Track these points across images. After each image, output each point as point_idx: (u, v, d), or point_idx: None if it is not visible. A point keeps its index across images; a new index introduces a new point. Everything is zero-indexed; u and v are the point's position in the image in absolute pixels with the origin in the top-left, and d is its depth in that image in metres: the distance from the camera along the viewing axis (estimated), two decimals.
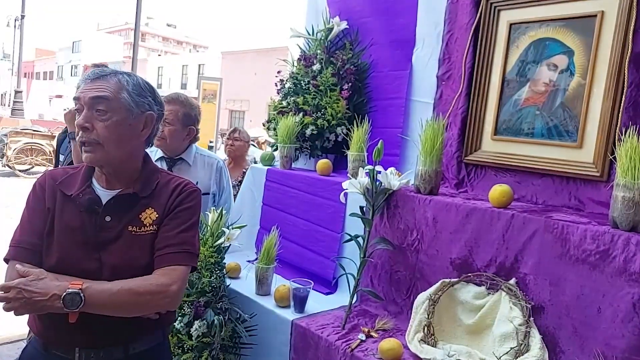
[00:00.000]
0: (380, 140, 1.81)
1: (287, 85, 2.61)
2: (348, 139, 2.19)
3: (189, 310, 1.88)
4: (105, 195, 1.34)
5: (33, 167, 11.16)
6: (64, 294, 1.16)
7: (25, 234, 1.30)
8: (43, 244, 1.29)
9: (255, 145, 8.25)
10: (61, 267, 1.25)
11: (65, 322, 1.25)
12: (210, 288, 1.90)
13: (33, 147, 11.02)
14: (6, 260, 1.29)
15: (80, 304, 1.17)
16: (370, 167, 1.80)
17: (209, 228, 2.01)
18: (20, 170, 10.94)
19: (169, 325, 1.53)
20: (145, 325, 1.33)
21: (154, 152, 2.44)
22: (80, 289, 1.17)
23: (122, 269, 1.26)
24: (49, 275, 1.20)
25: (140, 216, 1.34)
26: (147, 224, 1.33)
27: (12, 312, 1.16)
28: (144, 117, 1.36)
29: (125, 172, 1.36)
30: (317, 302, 1.95)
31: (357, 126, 2.12)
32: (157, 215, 1.35)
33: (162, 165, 2.38)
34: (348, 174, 2.08)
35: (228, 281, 2.09)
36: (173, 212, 1.36)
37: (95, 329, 1.26)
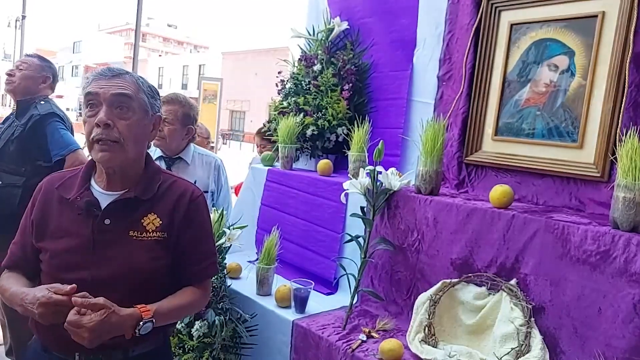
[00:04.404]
0: (381, 141, 1.81)
1: (287, 86, 2.61)
2: (349, 140, 2.20)
3: None
4: (104, 197, 1.31)
5: None
6: (141, 325, 1.18)
7: (14, 246, 1.36)
8: (26, 255, 1.31)
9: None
10: (56, 273, 1.23)
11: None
12: (211, 288, 1.90)
13: None
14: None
15: (151, 329, 1.20)
16: (371, 167, 1.80)
17: None
18: None
19: (170, 328, 1.52)
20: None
21: (153, 152, 2.46)
22: (152, 317, 1.21)
23: (120, 275, 1.24)
24: (113, 306, 1.16)
25: (143, 221, 1.31)
26: (150, 230, 1.31)
27: (86, 345, 1.13)
28: (154, 119, 1.37)
29: (129, 174, 1.34)
30: (317, 302, 1.96)
31: (358, 126, 2.12)
32: (160, 222, 1.32)
33: (161, 165, 2.40)
34: (349, 175, 2.08)
35: (229, 281, 2.09)
36: (191, 225, 1.36)
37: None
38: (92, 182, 1.35)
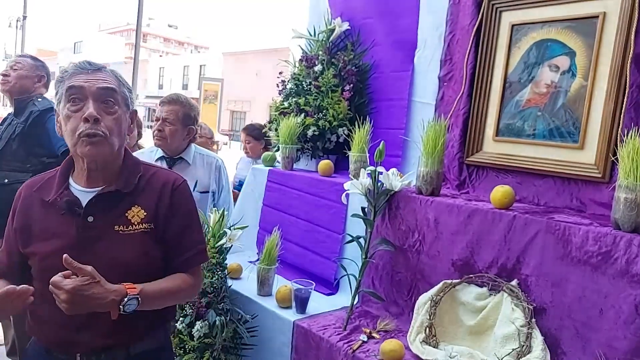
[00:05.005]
0: (382, 141, 1.81)
1: (288, 86, 2.61)
2: (349, 140, 2.20)
3: (190, 310, 1.89)
4: (85, 194, 1.28)
5: None
6: (125, 300, 1.15)
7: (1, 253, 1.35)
8: (12, 263, 1.30)
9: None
10: (46, 276, 1.19)
11: (66, 327, 1.23)
12: (212, 289, 1.91)
13: None
14: None
15: (136, 307, 1.17)
16: (371, 168, 1.80)
17: (210, 229, 2.01)
18: None
19: (169, 322, 1.51)
20: (146, 325, 1.31)
21: (154, 152, 2.46)
22: (137, 294, 1.18)
23: (111, 271, 1.19)
24: (101, 278, 1.14)
25: (127, 215, 1.29)
26: (136, 223, 1.29)
27: (64, 309, 1.11)
28: (131, 114, 1.37)
29: (110, 168, 1.31)
30: (318, 303, 1.96)
31: (359, 127, 2.12)
32: (145, 214, 1.30)
33: (162, 165, 2.40)
34: (350, 175, 2.08)
35: (229, 282, 2.09)
36: (176, 214, 1.34)
37: (96, 333, 1.24)
38: (71, 180, 1.32)
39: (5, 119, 2.71)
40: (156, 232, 1.31)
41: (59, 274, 1.12)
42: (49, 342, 1.30)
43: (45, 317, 1.28)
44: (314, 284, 1.93)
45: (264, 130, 2.77)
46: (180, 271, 1.36)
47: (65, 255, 1.11)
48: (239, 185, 3.51)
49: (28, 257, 1.28)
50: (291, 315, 1.86)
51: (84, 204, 1.27)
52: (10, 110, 2.76)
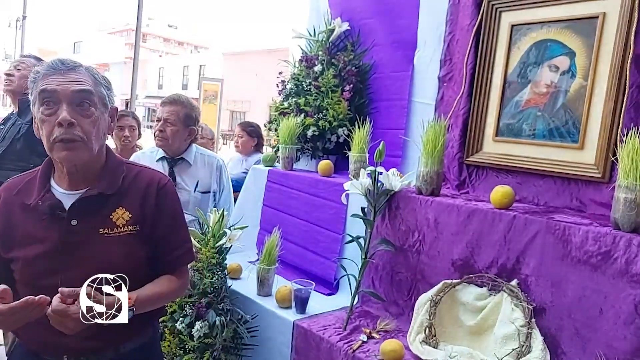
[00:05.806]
0: (382, 142, 1.81)
1: (288, 86, 2.61)
2: (349, 140, 2.20)
3: (190, 311, 1.89)
4: (68, 197, 1.25)
5: None
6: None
7: None
8: None
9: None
10: (30, 280, 1.19)
11: (52, 330, 1.19)
12: (212, 289, 1.91)
13: None
14: None
15: (131, 317, 1.16)
16: (371, 168, 1.80)
17: (210, 229, 2.01)
18: None
19: (158, 319, 1.52)
20: (135, 326, 1.28)
21: (155, 153, 2.46)
22: (132, 305, 1.16)
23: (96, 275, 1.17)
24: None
25: (111, 217, 1.26)
26: (121, 225, 1.26)
27: (69, 333, 1.10)
28: (111, 111, 1.32)
29: (91, 170, 1.28)
30: (318, 303, 1.96)
31: (359, 127, 2.12)
32: (130, 216, 1.28)
33: (164, 165, 2.41)
34: (349, 175, 2.08)
35: (229, 282, 2.09)
36: (162, 215, 1.33)
37: (83, 336, 1.19)
38: (52, 183, 1.28)
39: (7, 119, 2.71)
40: (142, 233, 1.29)
41: (57, 300, 1.08)
42: (35, 344, 1.28)
43: (31, 320, 1.24)
44: (314, 284, 1.93)
45: (262, 130, 2.79)
46: (168, 271, 1.35)
47: (60, 289, 1.09)
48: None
49: (10, 261, 1.25)
50: (291, 315, 1.86)
51: (66, 207, 1.24)
52: (11, 110, 2.76)
